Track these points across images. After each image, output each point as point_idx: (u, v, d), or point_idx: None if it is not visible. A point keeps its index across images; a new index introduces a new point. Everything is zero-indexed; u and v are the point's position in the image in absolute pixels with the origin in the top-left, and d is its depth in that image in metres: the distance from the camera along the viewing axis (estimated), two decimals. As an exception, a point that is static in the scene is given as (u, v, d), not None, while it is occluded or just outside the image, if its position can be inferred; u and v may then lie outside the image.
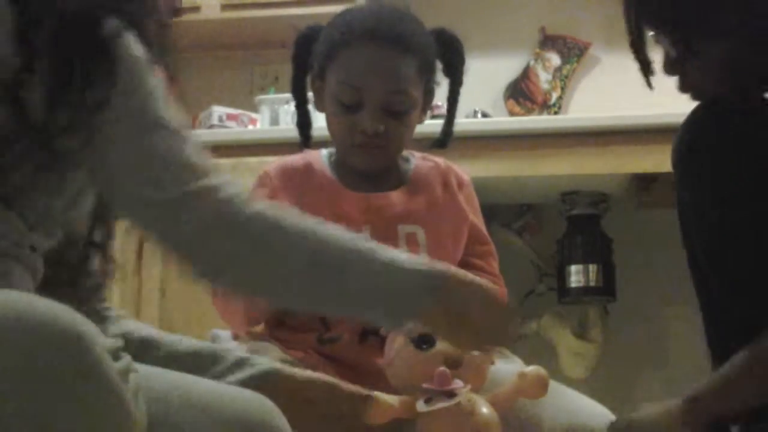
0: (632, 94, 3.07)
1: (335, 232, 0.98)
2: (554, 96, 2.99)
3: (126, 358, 0.78)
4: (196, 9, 2.98)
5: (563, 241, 2.73)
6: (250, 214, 0.94)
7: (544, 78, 3.01)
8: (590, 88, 3.02)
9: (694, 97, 1.17)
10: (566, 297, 2.69)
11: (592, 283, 2.66)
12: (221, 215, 0.93)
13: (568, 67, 2.99)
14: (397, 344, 1.11)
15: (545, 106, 2.99)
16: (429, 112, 1.49)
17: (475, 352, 1.08)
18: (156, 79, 0.94)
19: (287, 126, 2.81)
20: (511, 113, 3.00)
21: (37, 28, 0.86)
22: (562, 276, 2.71)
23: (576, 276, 2.67)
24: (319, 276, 0.96)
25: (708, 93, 1.14)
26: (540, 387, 1.09)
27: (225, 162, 2.65)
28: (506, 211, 2.86)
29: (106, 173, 0.92)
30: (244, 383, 1.05)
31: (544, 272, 2.84)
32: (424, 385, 1.05)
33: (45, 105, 0.86)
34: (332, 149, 1.47)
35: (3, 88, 0.86)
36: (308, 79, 1.48)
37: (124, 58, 0.90)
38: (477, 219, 1.47)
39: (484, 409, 1.04)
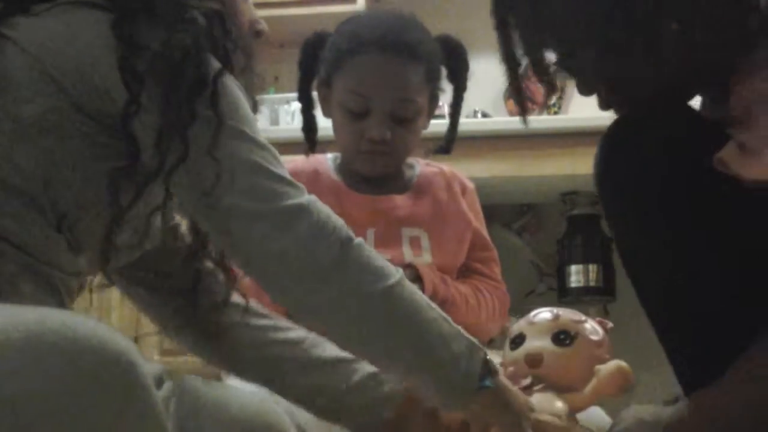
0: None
1: (417, 296, 1.00)
2: (554, 96, 2.99)
3: (167, 384, 0.79)
4: (196, 9, 2.97)
5: (563, 241, 2.73)
6: (348, 257, 0.95)
7: (544, 78, 3.01)
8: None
9: (617, 112, 1.14)
10: (566, 297, 2.69)
11: (592, 283, 2.66)
12: (320, 243, 0.94)
13: (568, 67, 2.99)
14: (504, 346, 1.11)
15: (545, 106, 2.99)
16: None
17: (556, 349, 1.07)
18: (250, 112, 0.96)
19: (287, 126, 2.81)
20: (511, 113, 2.99)
21: (145, 62, 0.88)
22: (562, 276, 2.71)
23: (576, 276, 2.67)
24: (391, 343, 0.98)
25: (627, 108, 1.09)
26: (619, 382, 1.05)
27: (225, 162, 2.66)
28: (506, 211, 2.86)
29: (198, 191, 0.91)
30: (379, 400, 1.08)
31: (544, 272, 2.85)
32: None
33: (154, 138, 0.88)
34: (337, 154, 1.48)
35: (117, 123, 0.88)
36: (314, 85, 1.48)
37: (226, 95, 0.92)
38: (480, 225, 1.49)
39: (540, 408, 1.02)
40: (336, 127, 1.41)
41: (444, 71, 1.45)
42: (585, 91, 1.10)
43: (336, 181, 1.42)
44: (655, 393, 2.67)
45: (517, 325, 1.09)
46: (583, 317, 1.09)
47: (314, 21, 2.89)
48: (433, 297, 1.31)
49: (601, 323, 1.10)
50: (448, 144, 1.51)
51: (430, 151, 1.52)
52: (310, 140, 1.49)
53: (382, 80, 1.34)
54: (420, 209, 1.41)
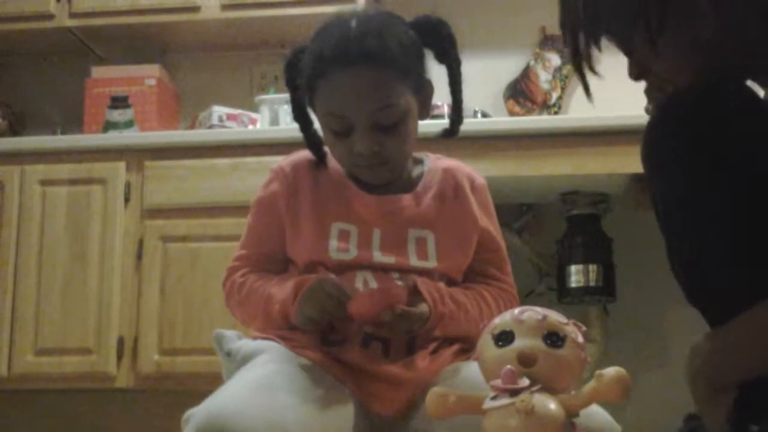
0: (632, 94, 3.06)
1: None
2: (554, 96, 3.00)
3: None
4: (196, 9, 2.98)
5: (563, 241, 2.73)
6: None
7: (544, 78, 3.02)
8: (590, 88, 3.02)
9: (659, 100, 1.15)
10: (566, 297, 2.69)
11: (592, 283, 2.66)
12: None
13: (568, 67, 2.99)
14: (482, 340, 1.10)
15: (545, 106, 2.99)
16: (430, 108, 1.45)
17: (549, 350, 1.06)
18: None
19: (287, 126, 2.80)
20: (511, 113, 3.00)
21: None
22: (562, 276, 2.71)
23: (576, 276, 2.67)
24: None
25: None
26: (620, 389, 1.05)
27: (225, 162, 2.66)
28: (506, 211, 2.86)
29: None
30: None
31: (544, 272, 2.84)
32: (491, 383, 1.04)
33: None
34: None
35: None
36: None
37: None
38: (491, 223, 1.45)
39: (546, 410, 1.02)
40: (327, 145, 1.40)
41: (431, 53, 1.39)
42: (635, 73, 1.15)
43: (344, 176, 1.40)
44: (654, 393, 2.68)
45: (502, 321, 1.07)
46: (565, 319, 1.09)
47: (314, 21, 2.88)
48: (431, 315, 1.30)
49: (576, 325, 1.10)
50: (454, 126, 1.45)
51: (437, 137, 1.46)
52: (317, 153, 1.44)
53: (353, 96, 1.30)
54: (427, 209, 1.39)
